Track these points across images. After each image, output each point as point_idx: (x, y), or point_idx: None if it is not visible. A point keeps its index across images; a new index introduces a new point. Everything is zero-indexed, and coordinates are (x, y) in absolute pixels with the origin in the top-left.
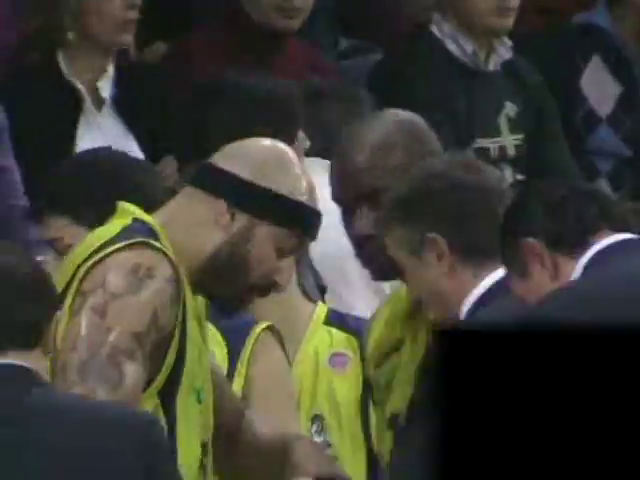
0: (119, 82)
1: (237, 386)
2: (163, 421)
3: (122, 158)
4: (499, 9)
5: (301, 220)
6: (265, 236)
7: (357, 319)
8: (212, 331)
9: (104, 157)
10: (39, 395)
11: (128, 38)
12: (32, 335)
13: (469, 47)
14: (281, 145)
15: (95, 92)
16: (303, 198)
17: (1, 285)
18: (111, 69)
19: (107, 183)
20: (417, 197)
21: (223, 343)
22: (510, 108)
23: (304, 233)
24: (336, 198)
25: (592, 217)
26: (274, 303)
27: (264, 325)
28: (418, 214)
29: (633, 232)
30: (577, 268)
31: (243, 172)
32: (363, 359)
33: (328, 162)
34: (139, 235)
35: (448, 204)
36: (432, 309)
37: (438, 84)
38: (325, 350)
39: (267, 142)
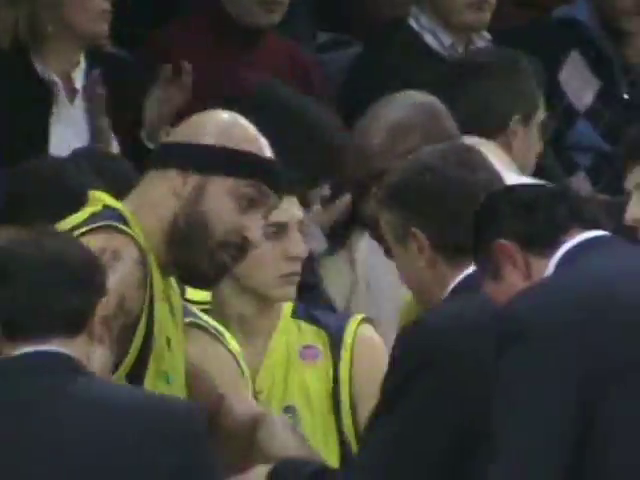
0: (91, 72)
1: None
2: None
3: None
4: (475, 4)
5: (251, 167)
6: (218, 190)
7: (326, 314)
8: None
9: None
10: (81, 383)
11: (104, 28)
12: (76, 323)
13: (447, 40)
14: (225, 112)
15: (68, 83)
16: (251, 148)
17: (48, 272)
18: (83, 60)
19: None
20: (406, 188)
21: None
22: None
23: (258, 180)
24: (350, 176)
25: (562, 216)
26: (249, 296)
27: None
28: (404, 205)
29: (605, 229)
30: (549, 267)
31: (185, 138)
32: (333, 352)
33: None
34: (107, 220)
35: (434, 201)
36: (417, 297)
37: (416, 77)
38: (295, 342)
39: (209, 112)
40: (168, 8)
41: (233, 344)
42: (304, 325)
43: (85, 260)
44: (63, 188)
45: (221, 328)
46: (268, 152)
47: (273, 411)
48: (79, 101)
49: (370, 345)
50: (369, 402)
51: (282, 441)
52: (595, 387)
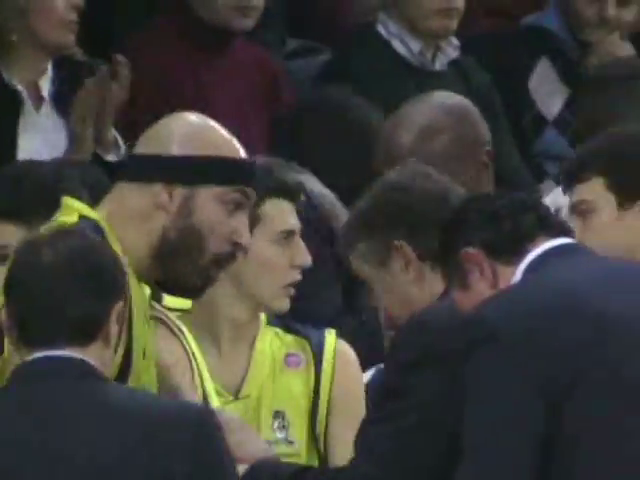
0: (58, 80)
1: None
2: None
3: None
4: (443, 11)
5: (235, 172)
6: (207, 200)
7: (303, 326)
8: None
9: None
10: (95, 388)
11: (70, 38)
12: (92, 329)
13: (415, 47)
14: (192, 115)
15: (35, 92)
16: (230, 152)
17: (63, 279)
18: (50, 68)
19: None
20: (379, 208)
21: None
22: None
23: (242, 184)
24: (377, 177)
25: (529, 225)
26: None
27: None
28: (382, 224)
29: (571, 236)
30: (516, 275)
31: (167, 150)
32: (316, 363)
33: None
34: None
35: (411, 212)
36: (405, 319)
37: (385, 83)
38: (279, 350)
39: (181, 115)
40: (138, 13)
41: (192, 344)
42: (283, 333)
43: (103, 264)
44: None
45: (183, 327)
46: (242, 152)
47: (264, 416)
48: (46, 109)
49: (348, 360)
50: (342, 414)
51: (238, 439)
52: (560, 389)
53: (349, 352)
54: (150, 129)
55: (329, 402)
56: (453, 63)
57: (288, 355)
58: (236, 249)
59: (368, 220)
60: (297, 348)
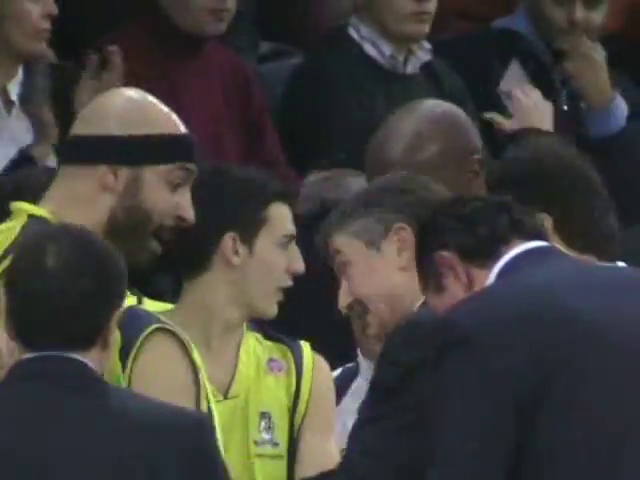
0: (28, 83)
1: None
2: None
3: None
4: (414, 14)
5: (178, 149)
6: (152, 179)
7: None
8: None
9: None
10: (94, 390)
11: (42, 47)
12: (90, 334)
13: (387, 50)
14: (129, 90)
15: (4, 96)
16: (172, 129)
17: (64, 283)
18: (20, 71)
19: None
20: (388, 190)
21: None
22: None
23: (186, 160)
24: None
25: (503, 228)
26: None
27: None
28: (388, 204)
29: (545, 238)
30: (490, 278)
31: (109, 130)
32: (298, 370)
33: None
34: None
35: (417, 201)
36: (388, 305)
37: (357, 87)
38: (262, 354)
39: (118, 92)
40: (111, 17)
41: (196, 356)
42: (262, 339)
43: (107, 269)
44: None
45: (187, 337)
46: (182, 127)
47: (251, 416)
48: (16, 112)
49: (323, 368)
50: (314, 420)
51: None
52: (531, 392)
53: (324, 363)
54: (88, 108)
55: (306, 408)
56: (425, 66)
57: (270, 360)
58: (179, 223)
59: (372, 198)
60: (278, 354)
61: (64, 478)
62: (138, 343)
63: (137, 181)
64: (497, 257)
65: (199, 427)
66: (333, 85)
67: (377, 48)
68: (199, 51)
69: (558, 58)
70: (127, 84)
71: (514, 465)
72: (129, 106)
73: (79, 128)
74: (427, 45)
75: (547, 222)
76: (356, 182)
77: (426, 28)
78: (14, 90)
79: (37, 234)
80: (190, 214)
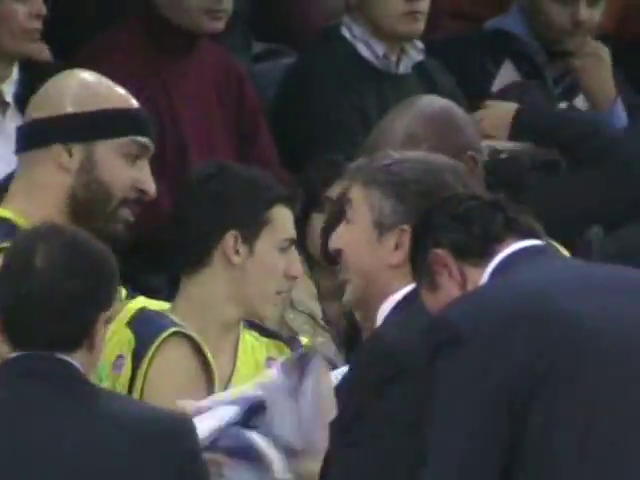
0: (23, 82)
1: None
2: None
3: None
4: (407, 14)
5: (129, 124)
6: (106, 154)
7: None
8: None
9: None
10: (79, 391)
11: (33, 46)
12: (77, 335)
13: (380, 50)
14: (80, 71)
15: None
16: (123, 104)
17: (52, 285)
18: (15, 71)
19: None
20: (417, 189)
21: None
22: None
23: (138, 134)
24: None
25: (497, 226)
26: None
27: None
28: (409, 204)
29: (539, 237)
30: (484, 276)
31: (60, 110)
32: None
33: None
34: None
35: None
36: (360, 291)
37: (349, 86)
38: (259, 353)
39: (70, 74)
40: (105, 16)
41: (211, 359)
42: (259, 336)
43: (97, 271)
44: None
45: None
46: (134, 101)
47: None
48: (11, 112)
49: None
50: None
51: None
52: (524, 391)
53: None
54: (39, 92)
55: None
56: (417, 66)
57: (269, 359)
58: (142, 196)
59: (402, 187)
60: (276, 352)
61: (46, 477)
62: (154, 347)
63: (91, 157)
64: (491, 256)
65: (182, 429)
66: (326, 85)
67: (370, 48)
68: (192, 50)
69: (555, 57)
70: (122, 81)
71: (507, 465)
72: (81, 85)
73: (31, 112)
74: (420, 45)
75: None
76: None
77: (420, 27)
78: (9, 91)
79: (29, 234)
80: (151, 187)
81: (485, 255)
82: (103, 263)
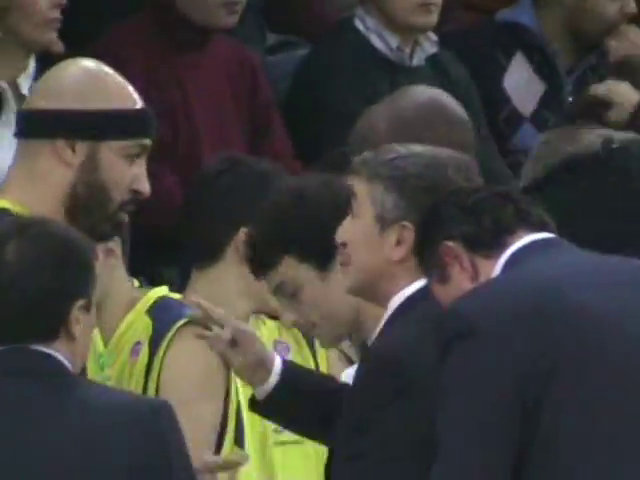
0: (40, 75)
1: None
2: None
3: None
4: (421, 6)
5: (136, 126)
6: (110, 155)
7: None
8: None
9: None
10: (59, 382)
11: (52, 36)
12: (53, 326)
13: (393, 42)
14: (85, 61)
15: (15, 89)
16: (130, 104)
17: (24, 279)
18: (32, 64)
19: None
20: (418, 182)
21: None
22: None
23: (143, 136)
24: None
25: (509, 218)
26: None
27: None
28: (409, 198)
29: (551, 230)
30: (495, 269)
31: (66, 103)
32: (310, 347)
33: None
34: None
35: (430, 201)
36: (363, 288)
37: (363, 78)
38: (267, 337)
39: (74, 63)
40: (117, 9)
41: None
42: (266, 319)
43: (68, 260)
44: None
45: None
46: (139, 101)
47: None
48: None
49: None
50: None
51: None
52: (535, 385)
53: None
54: (45, 79)
55: None
56: (431, 58)
57: (277, 342)
58: (136, 196)
59: (402, 181)
60: (283, 334)
61: (29, 467)
62: (170, 334)
63: (94, 156)
64: (503, 247)
65: (155, 413)
66: (339, 77)
67: (383, 40)
68: (206, 43)
69: (588, 52)
70: (135, 74)
71: (518, 459)
72: (89, 79)
73: (35, 101)
74: (433, 37)
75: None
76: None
77: (433, 19)
78: (25, 84)
79: (2, 229)
80: (145, 187)
81: (496, 247)
82: (76, 254)
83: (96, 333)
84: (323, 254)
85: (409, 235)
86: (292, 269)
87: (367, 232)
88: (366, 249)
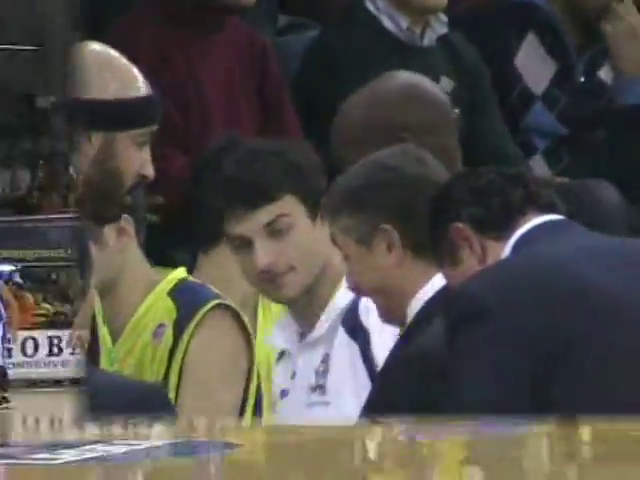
0: None
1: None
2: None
3: None
4: None
5: (150, 113)
6: (125, 144)
7: None
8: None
9: None
10: None
11: None
12: None
13: (404, 23)
14: (96, 44)
15: None
16: (143, 92)
17: None
18: None
19: None
20: (370, 188)
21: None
22: (446, 83)
23: (154, 123)
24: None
25: (518, 200)
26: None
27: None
28: (371, 205)
29: (561, 212)
30: (505, 250)
31: (80, 92)
32: None
33: None
34: None
35: (401, 197)
36: (384, 302)
37: (373, 60)
38: (274, 321)
39: (84, 48)
40: None
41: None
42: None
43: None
44: None
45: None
46: (147, 87)
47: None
48: None
49: None
50: None
51: None
52: (545, 365)
53: None
54: None
55: None
56: (441, 39)
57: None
58: (142, 181)
59: (355, 197)
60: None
61: None
62: (198, 317)
63: (111, 145)
64: (512, 229)
65: (154, 398)
66: (350, 58)
67: (394, 20)
68: (217, 23)
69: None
70: (146, 59)
71: None
72: (104, 67)
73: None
74: (444, 17)
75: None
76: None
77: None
78: None
79: None
80: (150, 171)
81: (506, 229)
82: None
83: (105, 331)
84: (317, 203)
85: (393, 234)
86: (292, 207)
87: (361, 259)
88: (367, 272)
